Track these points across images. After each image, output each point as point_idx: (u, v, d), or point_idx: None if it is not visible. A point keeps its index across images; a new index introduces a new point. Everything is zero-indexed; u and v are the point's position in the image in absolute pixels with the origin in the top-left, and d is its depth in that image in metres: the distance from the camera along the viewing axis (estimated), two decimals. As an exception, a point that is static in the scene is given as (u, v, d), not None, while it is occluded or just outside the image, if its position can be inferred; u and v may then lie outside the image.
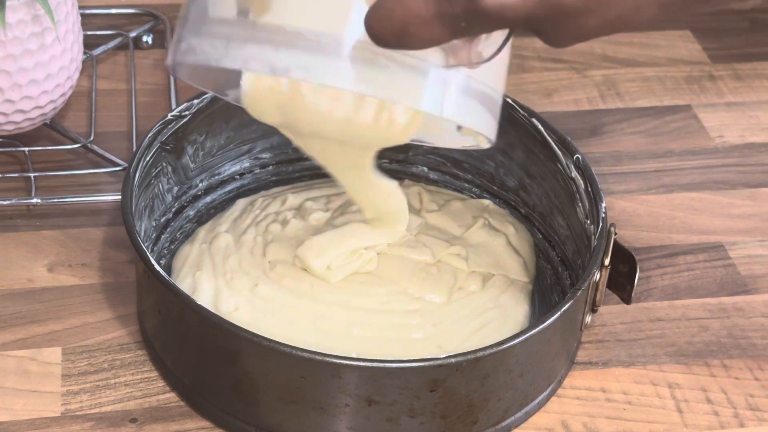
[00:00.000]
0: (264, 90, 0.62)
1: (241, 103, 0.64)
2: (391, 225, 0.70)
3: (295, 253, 0.70)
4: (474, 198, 0.78)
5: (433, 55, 0.52)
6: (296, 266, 0.70)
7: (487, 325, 0.68)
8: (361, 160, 0.66)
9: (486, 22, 0.46)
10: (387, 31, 0.48)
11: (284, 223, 0.73)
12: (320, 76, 0.52)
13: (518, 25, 0.46)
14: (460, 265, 0.71)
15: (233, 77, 0.63)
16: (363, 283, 0.69)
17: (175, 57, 0.56)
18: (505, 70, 0.59)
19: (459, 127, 0.66)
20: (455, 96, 0.55)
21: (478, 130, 0.57)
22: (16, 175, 0.79)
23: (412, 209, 0.75)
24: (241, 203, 0.76)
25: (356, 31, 0.51)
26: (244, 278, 0.69)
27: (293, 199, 0.76)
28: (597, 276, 0.66)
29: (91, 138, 0.81)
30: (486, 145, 0.59)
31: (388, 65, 0.52)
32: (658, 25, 0.99)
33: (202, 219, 0.76)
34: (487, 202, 0.77)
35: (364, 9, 0.50)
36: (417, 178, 0.80)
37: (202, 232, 0.73)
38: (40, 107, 0.76)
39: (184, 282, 0.69)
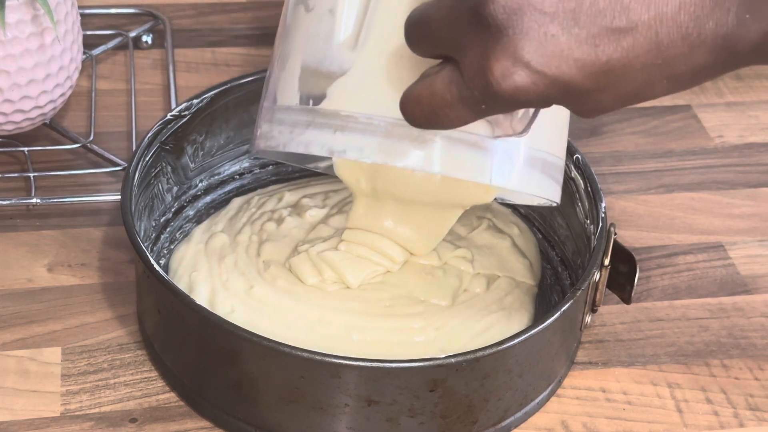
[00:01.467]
0: (353, 163, 0.67)
1: (335, 173, 0.68)
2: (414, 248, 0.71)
3: (289, 261, 0.70)
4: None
5: (479, 127, 0.56)
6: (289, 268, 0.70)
7: (491, 328, 0.67)
8: (449, 219, 0.69)
9: (503, 105, 0.49)
10: (417, 114, 0.51)
11: (279, 221, 0.73)
12: (373, 156, 0.56)
13: (535, 106, 0.49)
14: (465, 267, 0.71)
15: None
16: (365, 289, 0.69)
17: (254, 143, 0.62)
18: (565, 131, 0.63)
19: None
20: (510, 167, 0.58)
21: (539, 195, 0.60)
22: (16, 175, 0.79)
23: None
24: (237, 201, 0.76)
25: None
26: (240, 279, 0.69)
27: (290, 196, 0.76)
28: (597, 276, 0.66)
29: (91, 138, 0.81)
30: (556, 203, 0.63)
31: (435, 140, 0.56)
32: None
33: (201, 219, 0.76)
34: (490, 201, 0.77)
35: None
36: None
37: (199, 232, 0.73)
38: (40, 107, 0.76)
39: (180, 283, 0.69)
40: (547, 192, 0.61)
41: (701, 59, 0.48)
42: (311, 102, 0.58)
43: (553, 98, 0.49)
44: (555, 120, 0.61)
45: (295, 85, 0.59)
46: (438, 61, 0.51)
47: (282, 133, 0.59)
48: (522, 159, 0.59)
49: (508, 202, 0.74)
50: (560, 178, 0.62)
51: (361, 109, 0.57)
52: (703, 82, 0.50)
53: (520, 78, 0.47)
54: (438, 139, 0.56)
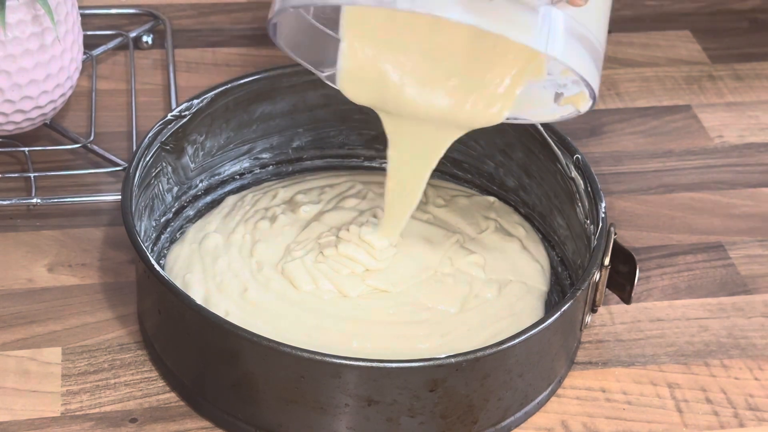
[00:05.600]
0: (360, 78, 0.63)
1: (336, 85, 0.65)
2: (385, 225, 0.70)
3: (282, 266, 0.69)
4: (478, 195, 0.78)
5: None
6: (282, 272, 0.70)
7: (500, 335, 0.66)
8: (446, 141, 0.66)
9: None
10: None
11: (273, 219, 0.73)
12: (427, 7, 0.53)
13: None
14: (477, 273, 0.71)
15: (330, 55, 0.64)
16: (366, 298, 0.69)
17: (279, 5, 0.57)
18: (606, 23, 0.59)
19: (556, 97, 0.66)
20: (562, 35, 0.55)
21: (582, 74, 0.57)
22: (16, 175, 0.79)
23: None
24: (231, 199, 0.76)
25: None
26: (234, 281, 0.69)
27: (284, 192, 0.76)
28: (597, 276, 0.66)
29: (91, 138, 0.81)
30: (585, 108, 0.59)
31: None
32: (658, 24, 0.99)
33: (201, 219, 0.76)
34: (492, 199, 0.77)
35: None
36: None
37: (193, 231, 0.73)
38: (40, 107, 0.76)
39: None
40: (586, 71, 0.57)
41: None
42: None
43: None
44: (601, 8, 0.57)
45: None
46: None
47: None
48: (566, 28, 0.55)
49: (522, 121, 0.68)
50: (601, 68, 0.59)
51: None
52: None
53: None
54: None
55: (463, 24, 0.53)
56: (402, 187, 0.68)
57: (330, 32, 0.64)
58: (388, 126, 0.67)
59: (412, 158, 0.67)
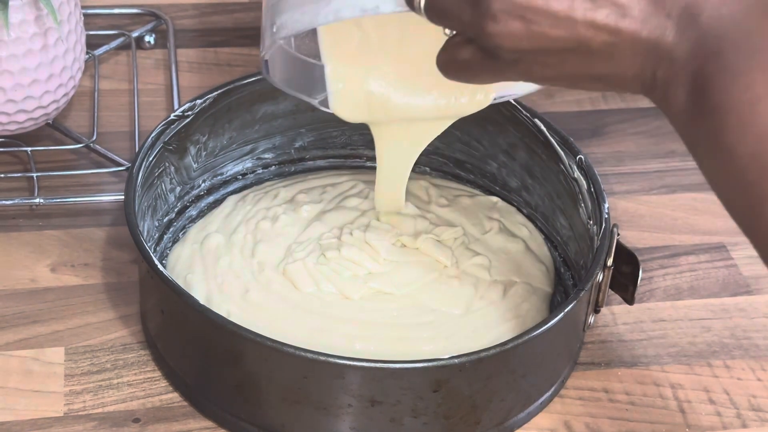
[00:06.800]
0: (350, 99, 0.66)
1: (329, 109, 0.67)
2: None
3: (284, 267, 0.69)
4: (481, 195, 0.78)
5: None
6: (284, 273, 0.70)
7: (505, 337, 0.65)
8: (437, 130, 0.69)
9: None
10: None
11: (274, 219, 0.73)
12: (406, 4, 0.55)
13: None
14: (482, 275, 0.70)
15: (320, 82, 0.66)
16: (369, 300, 0.68)
17: (268, 42, 0.59)
18: None
19: None
20: None
21: None
22: (19, 175, 0.79)
23: (420, 202, 0.75)
24: (232, 199, 0.76)
25: None
26: (235, 282, 0.68)
27: (285, 192, 0.75)
28: (600, 277, 0.66)
29: (94, 138, 0.81)
30: None
31: None
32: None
33: (204, 219, 0.76)
34: (495, 199, 0.77)
35: None
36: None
37: (194, 231, 0.73)
38: (43, 107, 0.76)
39: None
40: None
41: None
42: None
43: None
44: None
45: None
46: None
47: (305, 13, 0.57)
48: None
49: (508, 98, 0.70)
50: None
51: None
52: None
53: None
54: None
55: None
56: (393, 174, 0.70)
57: (314, 61, 0.67)
58: (376, 130, 0.69)
59: (402, 151, 0.70)
